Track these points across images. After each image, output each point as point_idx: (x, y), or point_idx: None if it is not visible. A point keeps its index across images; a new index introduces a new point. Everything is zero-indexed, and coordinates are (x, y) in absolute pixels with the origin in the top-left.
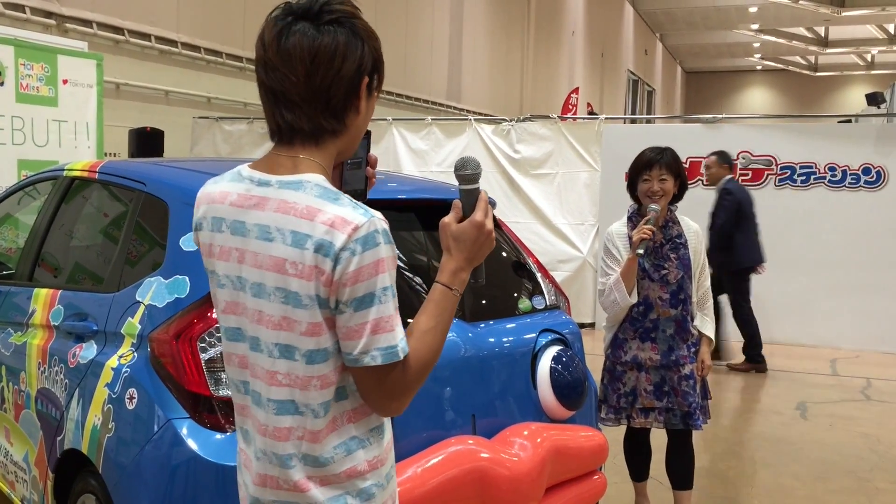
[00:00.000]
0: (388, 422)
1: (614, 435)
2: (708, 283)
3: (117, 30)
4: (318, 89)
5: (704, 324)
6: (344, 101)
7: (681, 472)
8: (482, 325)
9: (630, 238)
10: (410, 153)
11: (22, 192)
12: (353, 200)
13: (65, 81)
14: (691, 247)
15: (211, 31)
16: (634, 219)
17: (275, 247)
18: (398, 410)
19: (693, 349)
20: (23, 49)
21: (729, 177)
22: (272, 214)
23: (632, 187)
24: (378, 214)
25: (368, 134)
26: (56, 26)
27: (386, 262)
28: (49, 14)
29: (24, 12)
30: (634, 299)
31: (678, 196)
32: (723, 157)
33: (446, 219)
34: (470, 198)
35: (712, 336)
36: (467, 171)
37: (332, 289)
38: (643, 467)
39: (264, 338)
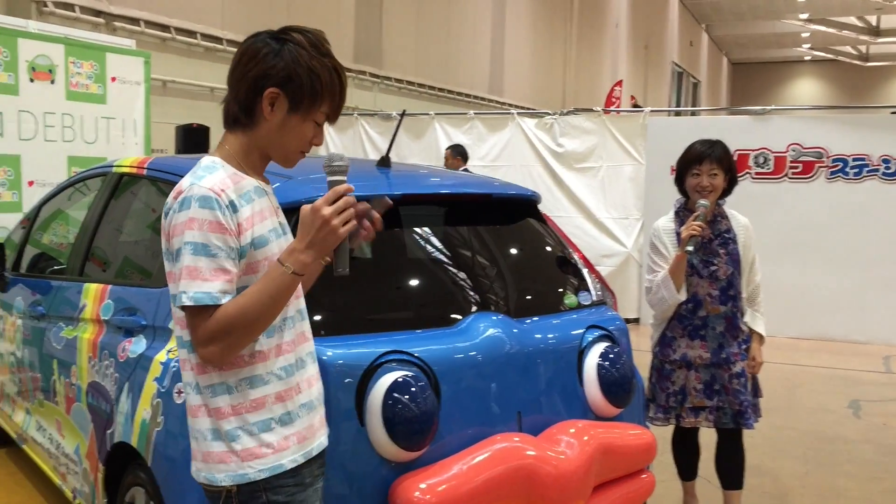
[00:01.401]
0: (273, 377)
1: (662, 433)
2: (759, 278)
3: (164, 28)
4: (235, 80)
5: (755, 320)
6: (246, 96)
7: (731, 472)
8: (527, 321)
9: (678, 234)
10: None
11: (72, 188)
12: (200, 173)
13: (113, 79)
14: (741, 242)
15: (255, 27)
16: (682, 214)
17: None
18: (207, 359)
19: (744, 346)
20: (72, 47)
21: (464, 168)
22: None
23: (679, 181)
24: (206, 184)
25: (388, 203)
26: (105, 25)
27: (196, 222)
28: (98, 13)
29: (74, 11)
30: (683, 296)
31: (728, 191)
32: (456, 150)
33: (307, 204)
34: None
35: (764, 333)
36: (334, 164)
37: (168, 242)
38: (692, 466)
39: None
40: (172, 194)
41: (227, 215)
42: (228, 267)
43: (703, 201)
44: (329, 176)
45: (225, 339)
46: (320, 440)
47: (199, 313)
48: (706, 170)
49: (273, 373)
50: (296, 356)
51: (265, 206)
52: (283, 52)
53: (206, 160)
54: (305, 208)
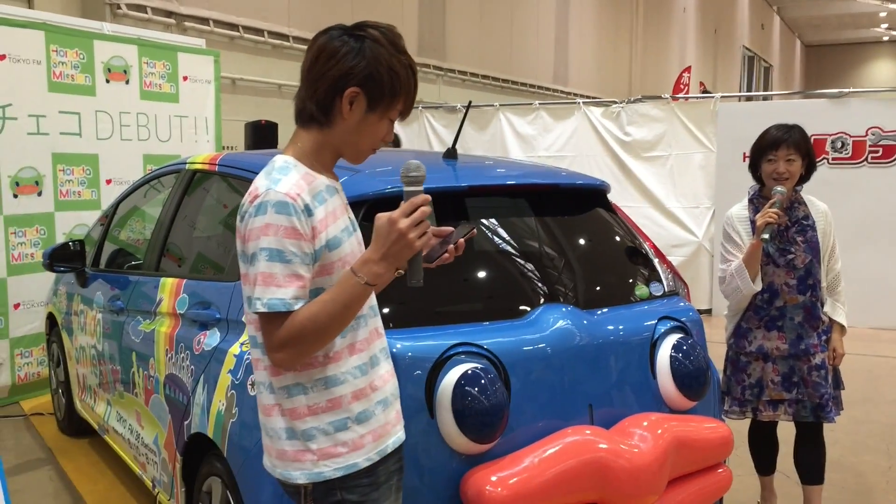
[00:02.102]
0: (348, 376)
1: (738, 426)
2: (839, 266)
3: (232, 26)
4: (312, 77)
5: (836, 310)
6: (325, 95)
7: (811, 467)
8: (597, 313)
9: (753, 222)
10: (518, 138)
11: (147, 185)
12: (276, 176)
13: (185, 78)
14: (819, 228)
15: (321, 24)
16: (756, 201)
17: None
18: (278, 364)
19: (824, 337)
20: (145, 48)
21: None
22: None
23: (754, 167)
24: (283, 189)
25: (471, 230)
26: (175, 25)
27: (271, 228)
28: (169, 13)
29: (146, 13)
30: (759, 287)
31: (805, 177)
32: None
33: (381, 213)
34: (408, 200)
35: (845, 323)
36: (410, 175)
37: (243, 244)
38: (770, 461)
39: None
40: (248, 197)
41: (302, 220)
42: (302, 273)
43: (779, 188)
44: (406, 186)
45: (296, 345)
46: (396, 435)
47: (272, 319)
48: (783, 155)
49: (348, 372)
50: (369, 354)
51: (337, 206)
52: (364, 51)
53: (280, 160)
54: (381, 218)
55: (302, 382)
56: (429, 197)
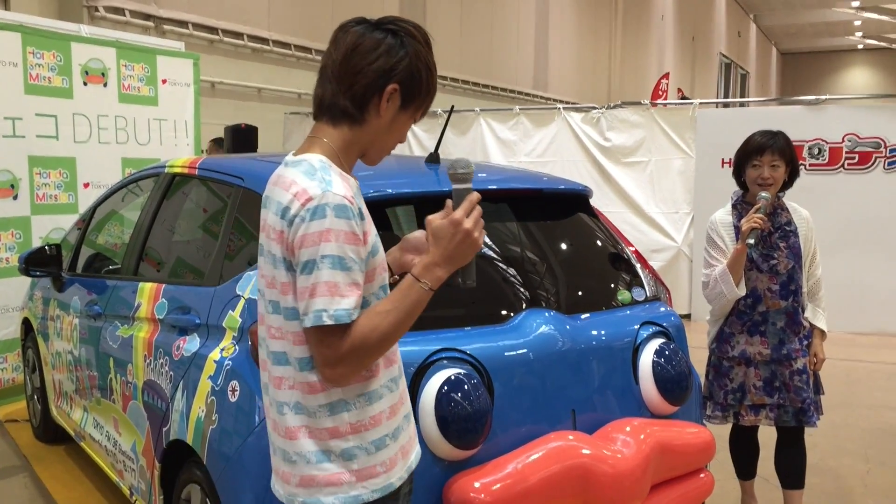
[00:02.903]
0: (385, 390)
1: (718, 431)
2: (819, 272)
3: (212, 30)
4: (347, 72)
5: (816, 315)
6: (364, 91)
7: (792, 471)
8: (580, 318)
9: (737, 227)
10: (498, 143)
11: (126, 189)
12: (325, 177)
13: (164, 81)
14: (801, 234)
15: (301, 28)
16: (740, 206)
17: (269, 215)
18: (333, 380)
19: (805, 342)
20: (124, 51)
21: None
22: (274, 188)
23: (738, 173)
24: (339, 191)
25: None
26: (154, 28)
27: (332, 234)
28: (147, 16)
29: (124, 15)
30: (743, 292)
31: (788, 183)
32: (218, 143)
33: (432, 216)
34: (460, 197)
35: (825, 328)
36: (458, 171)
37: (289, 251)
38: (751, 465)
39: (265, 295)
40: (298, 200)
41: (358, 225)
42: (360, 280)
43: (763, 193)
44: (455, 184)
45: (357, 359)
46: (416, 449)
47: (332, 332)
48: (767, 161)
49: (385, 385)
50: (397, 365)
51: (366, 207)
52: (406, 47)
53: (317, 160)
54: (438, 220)
55: (345, 399)
56: (479, 195)
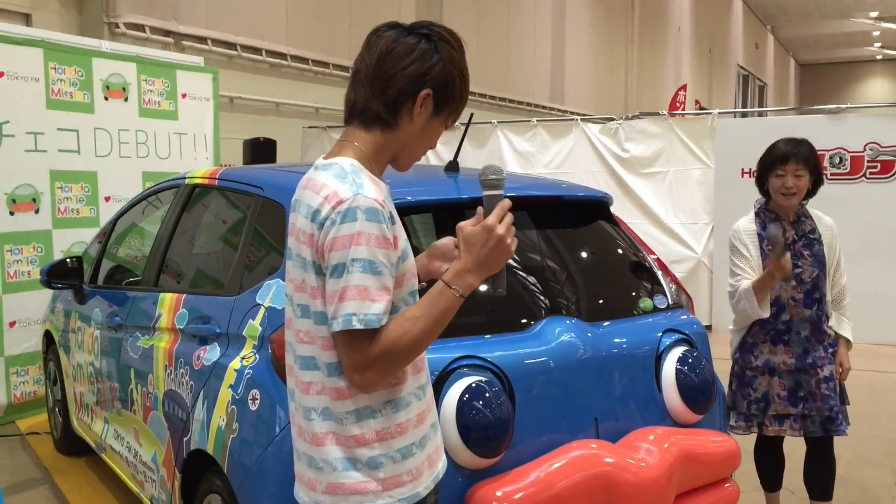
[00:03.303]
0: (413, 398)
1: (744, 442)
2: (844, 280)
3: (230, 45)
4: (381, 76)
5: (841, 324)
6: (398, 95)
7: (821, 482)
8: (602, 325)
9: (760, 235)
10: (516, 155)
11: (145, 201)
12: (356, 180)
13: (183, 95)
14: (826, 242)
15: (318, 43)
16: (763, 214)
17: (299, 218)
18: (361, 385)
19: (830, 350)
20: (144, 66)
21: None
22: (304, 192)
23: (761, 181)
24: (371, 194)
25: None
26: (174, 44)
27: (363, 237)
28: (167, 32)
29: (145, 31)
30: (766, 313)
31: (812, 191)
32: None
33: (464, 222)
34: (491, 204)
35: (850, 337)
36: (490, 177)
37: (319, 254)
38: (776, 477)
39: (294, 299)
40: (329, 203)
41: (389, 228)
42: (390, 285)
43: (772, 228)
44: (486, 190)
45: (385, 365)
46: (443, 459)
47: (361, 337)
48: (791, 170)
49: (413, 393)
50: (425, 372)
51: (396, 212)
52: (440, 51)
53: (348, 163)
54: (469, 226)
55: (372, 405)
56: (510, 202)
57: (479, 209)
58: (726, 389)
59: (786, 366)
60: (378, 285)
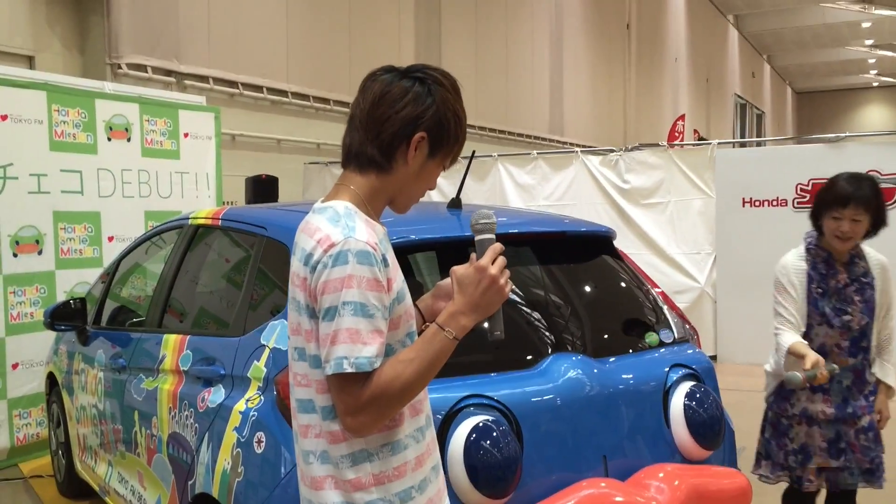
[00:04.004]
0: (411, 440)
1: (766, 488)
2: (893, 323)
3: (232, 83)
4: (375, 120)
5: (885, 371)
6: (391, 139)
7: None
8: (608, 361)
9: (810, 275)
10: (517, 188)
11: (149, 241)
12: (348, 223)
13: (186, 135)
14: (878, 287)
15: (319, 80)
16: (813, 252)
17: (295, 262)
18: (354, 429)
19: (871, 398)
20: (146, 106)
21: None
22: (301, 235)
23: (816, 216)
24: (362, 237)
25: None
26: (176, 83)
27: (354, 280)
28: (169, 72)
29: (147, 72)
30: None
31: (871, 232)
32: None
33: (458, 266)
34: (483, 247)
35: (894, 384)
36: (480, 222)
37: (312, 298)
38: None
39: (291, 342)
40: (321, 246)
41: (382, 271)
42: (383, 328)
43: (794, 379)
44: (478, 235)
45: (378, 408)
46: (446, 502)
47: (353, 381)
48: (849, 215)
49: (411, 435)
50: (425, 414)
51: (393, 255)
52: (434, 94)
53: (342, 206)
54: (462, 269)
55: (367, 448)
56: (502, 246)
57: (473, 255)
58: (758, 436)
59: (825, 415)
60: (370, 328)
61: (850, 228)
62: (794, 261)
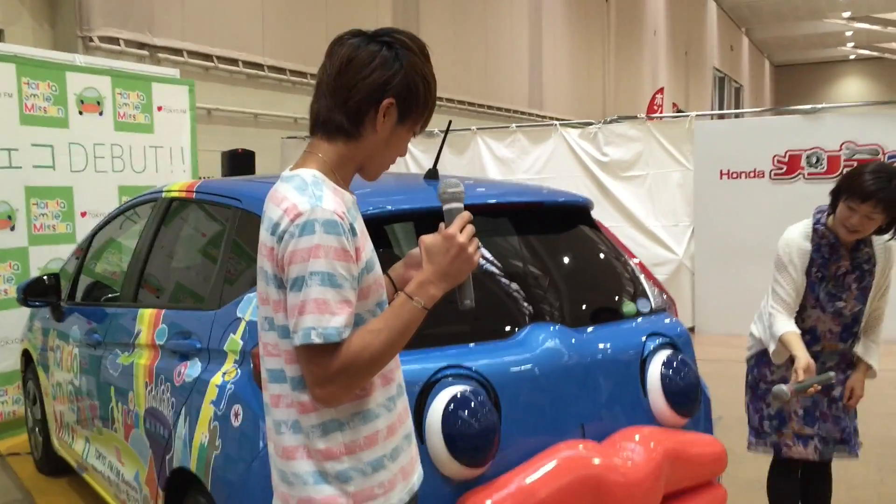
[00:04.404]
0: (382, 409)
1: (757, 475)
2: (885, 305)
3: (206, 57)
4: (342, 86)
5: (869, 351)
6: (359, 105)
7: (821, 501)
8: (586, 331)
9: (813, 259)
10: (496, 161)
11: (123, 216)
12: (315, 192)
13: (159, 108)
14: (878, 269)
15: (295, 53)
16: (820, 231)
17: (262, 232)
18: (323, 399)
19: (848, 371)
20: (119, 79)
21: None
22: (268, 204)
23: (835, 196)
24: (329, 206)
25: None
26: (149, 57)
27: (321, 250)
28: (142, 45)
29: (119, 45)
30: (780, 361)
31: (886, 230)
32: None
33: (426, 235)
34: (451, 216)
35: (875, 365)
36: (448, 191)
37: (279, 268)
38: None
39: (260, 311)
40: (288, 216)
41: (349, 241)
42: (351, 298)
43: (780, 395)
44: (445, 204)
45: (346, 379)
46: (418, 472)
47: (322, 351)
48: (865, 211)
49: (382, 404)
50: (396, 383)
51: (363, 223)
52: (400, 59)
53: (309, 175)
54: (430, 237)
55: (338, 418)
56: (470, 215)
57: (441, 225)
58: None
59: (810, 371)
60: (338, 298)
61: (859, 223)
62: (800, 241)
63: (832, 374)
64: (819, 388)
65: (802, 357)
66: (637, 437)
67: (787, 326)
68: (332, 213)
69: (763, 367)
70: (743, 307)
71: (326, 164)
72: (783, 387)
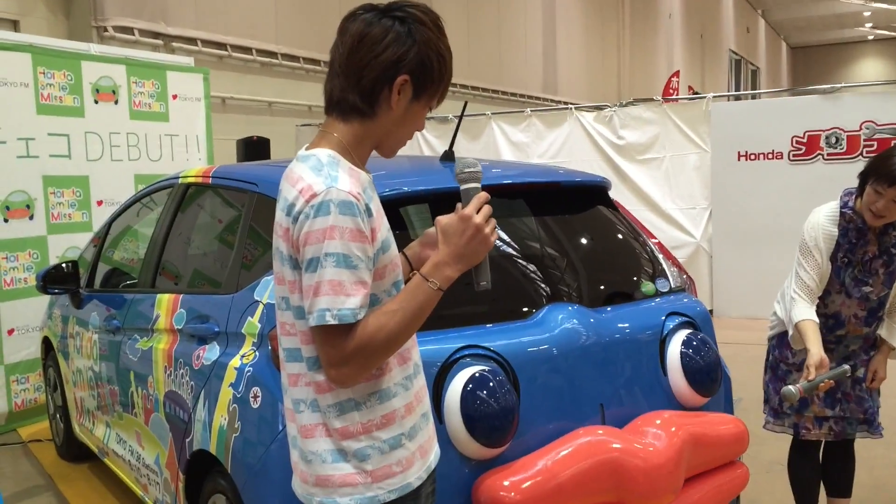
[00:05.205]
0: (399, 388)
1: (777, 456)
2: None
3: (220, 45)
4: (354, 65)
5: (892, 332)
6: (373, 84)
7: (843, 480)
8: (605, 311)
9: (840, 244)
10: (511, 146)
11: (140, 203)
12: (331, 172)
13: (174, 97)
14: None
15: (309, 41)
16: (847, 214)
17: (278, 212)
18: (338, 380)
19: (871, 352)
20: (134, 68)
21: None
22: (284, 184)
23: (863, 179)
24: (344, 187)
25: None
26: (163, 46)
27: (336, 231)
28: (156, 35)
29: (133, 34)
30: (797, 347)
31: None
32: None
33: (442, 215)
34: (468, 197)
35: None
36: (465, 171)
37: (294, 248)
38: (813, 493)
39: (277, 291)
40: (303, 196)
41: (365, 221)
42: (367, 279)
43: (790, 394)
44: (463, 184)
45: (361, 360)
46: (435, 450)
47: (337, 332)
48: (892, 195)
49: (399, 384)
50: (413, 362)
51: (379, 203)
52: (414, 35)
53: (325, 155)
54: (447, 218)
55: (354, 398)
56: (488, 195)
57: (459, 205)
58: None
59: (823, 367)
60: (353, 279)
61: (884, 207)
62: (826, 224)
63: (846, 367)
64: (832, 383)
65: (816, 353)
66: (658, 422)
67: (805, 314)
68: (348, 193)
69: (785, 347)
70: (761, 290)
71: (342, 143)
72: (792, 388)
